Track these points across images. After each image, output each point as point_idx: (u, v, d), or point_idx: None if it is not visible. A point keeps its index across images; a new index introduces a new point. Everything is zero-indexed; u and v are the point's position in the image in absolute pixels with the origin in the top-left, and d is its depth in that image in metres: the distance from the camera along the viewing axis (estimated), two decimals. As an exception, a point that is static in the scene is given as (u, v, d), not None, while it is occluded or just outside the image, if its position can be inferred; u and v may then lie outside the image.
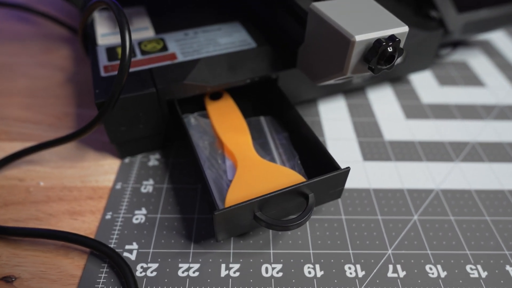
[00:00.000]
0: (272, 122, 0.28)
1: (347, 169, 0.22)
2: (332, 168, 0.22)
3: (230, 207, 0.19)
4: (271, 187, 0.22)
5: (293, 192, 0.21)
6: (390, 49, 0.21)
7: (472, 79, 0.38)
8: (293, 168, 0.25)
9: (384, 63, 0.21)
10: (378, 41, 0.21)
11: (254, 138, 0.27)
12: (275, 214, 0.22)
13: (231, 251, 0.23)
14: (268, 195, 0.20)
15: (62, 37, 0.42)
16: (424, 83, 0.37)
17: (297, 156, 0.25)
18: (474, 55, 0.41)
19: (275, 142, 0.27)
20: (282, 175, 0.23)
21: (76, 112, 0.33)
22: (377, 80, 0.34)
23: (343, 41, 0.21)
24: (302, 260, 0.23)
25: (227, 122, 0.27)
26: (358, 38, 0.20)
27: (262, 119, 0.29)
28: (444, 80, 0.37)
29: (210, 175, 0.24)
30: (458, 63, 0.40)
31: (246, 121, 0.28)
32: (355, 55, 0.21)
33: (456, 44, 0.41)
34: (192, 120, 0.27)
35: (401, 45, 0.22)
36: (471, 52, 0.41)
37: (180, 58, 0.27)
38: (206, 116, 0.28)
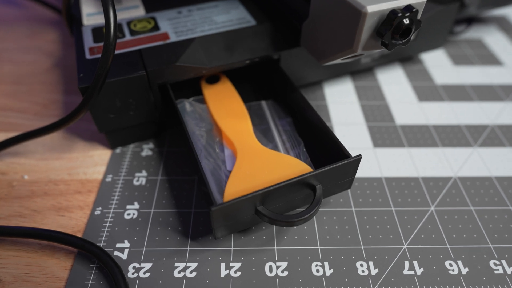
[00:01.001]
0: (274, 106, 0.26)
1: (359, 157, 0.19)
2: (342, 156, 0.20)
3: (229, 201, 0.17)
4: (274, 178, 0.20)
5: (299, 184, 0.19)
6: (406, 21, 0.18)
7: (488, 58, 0.35)
8: (298, 156, 0.22)
9: (400, 37, 0.19)
10: (393, 12, 0.18)
11: (255, 124, 0.25)
12: (279, 207, 0.20)
13: (232, 248, 0.21)
14: (271, 188, 0.18)
15: (48, 20, 0.39)
16: (437, 62, 0.34)
17: (302, 143, 0.23)
18: (489, 31, 0.38)
19: (277, 128, 0.24)
20: (286, 165, 0.21)
21: (63, 100, 0.30)
22: (386, 59, 0.32)
23: (353, 14, 0.19)
24: (309, 257, 0.21)
25: (225, 108, 0.25)
26: (370, 9, 0.18)
27: (264, 103, 0.26)
28: (459, 59, 0.35)
29: (207, 165, 0.22)
30: (472, 40, 0.37)
31: (246, 106, 0.26)
32: (367, 29, 0.19)
33: (471, 20, 0.38)
34: (187, 105, 0.25)
35: (419, 17, 0.19)
36: (487, 29, 0.39)
37: (173, 38, 0.25)
38: (202, 101, 0.26)
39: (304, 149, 0.23)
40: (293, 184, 0.19)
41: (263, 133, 0.24)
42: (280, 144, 0.23)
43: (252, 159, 0.22)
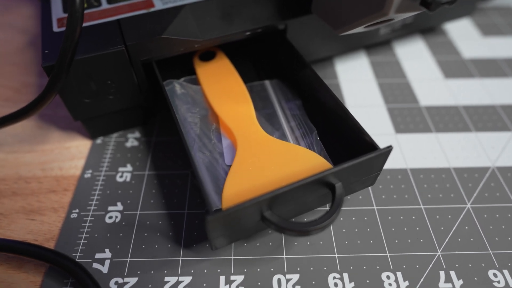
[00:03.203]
0: (280, 86, 0.22)
1: (389, 149, 0.16)
2: (366, 146, 0.17)
3: (229, 209, 0.14)
4: (283, 175, 0.17)
5: (316, 183, 0.15)
6: (453, -26, 0.14)
7: (521, 27, 0.31)
8: (310, 146, 0.19)
9: (445, -5, 0.15)
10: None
11: (258, 108, 0.21)
12: (289, 211, 0.16)
13: (232, 257, 0.18)
14: (281, 190, 0.14)
15: (23, -8, 0.35)
16: (463, 33, 0.30)
17: (315, 131, 0.19)
18: (521, -2, 0.34)
19: (285, 113, 0.21)
20: (298, 158, 0.17)
21: (38, 82, 0.27)
22: (407, 30, 0.27)
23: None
24: (325, 268, 0.17)
25: (222, 89, 0.21)
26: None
27: (267, 83, 0.22)
28: (488, 29, 0.31)
29: (202, 160, 0.18)
30: (501, 7, 0.33)
31: (247, 87, 0.22)
32: (401, -15, 0.15)
33: (502, -15, 0.34)
34: (177, 87, 0.21)
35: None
36: (517, -5, 0.34)
37: (158, 6, 0.21)
38: (195, 81, 0.22)
39: (318, 138, 0.19)
40: (309, 184, 0.15)
41: (267, 119, 0.20)
42: (288, 132, 0.20)
43: (255, 151, 0.18)
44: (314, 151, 0.18)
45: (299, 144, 0.19)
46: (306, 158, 0.17)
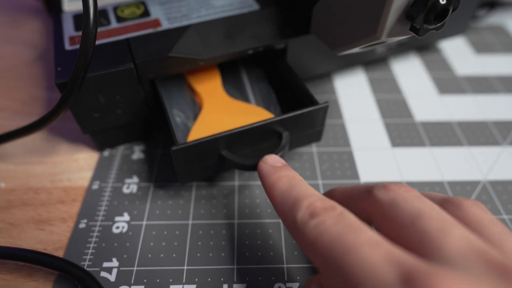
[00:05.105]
0: (249, 63, 0.26)
1: (325, 105, 0.20)
2: (309, 103, 0.20)
3: (191, 142, 0.18)
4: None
5: (263, 129, 0.19)
6: (443, 0, 0.15)
7: (512, 45, 0.32)
8: (268, 106, 0.22)
9: (434, 20, 0.16)
10: (426, -10, 0.15)
11: (227, 81, 0.24)
12: (245, 155, 0.20)
13: (235, 266, 0.18)
14: (233, 131, 0.18)
15: (31, 7, 0.36)
16: (457, 51, 0.31)
17: (274, 95, 0.23)
18: (511, 17, 0.35)
19: (251, 81, 0.24)
20: (253, 114, 0.21)
21: (46, 96, 0.27)
22: (403, 48, 0.29)
23: (378, -7, 0.16)
24: (324, 277, 0.18)
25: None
26: (399, -13, 0.15)
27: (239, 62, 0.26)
28: (481, 47, 0.32)
29: (177, 115, 0.21)
30: (494, 27, 0.34)
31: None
32: (395, 10, 0.16)
33: (493, 4, 0.35)
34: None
35: (456, -4, 0.16)
36: (508, 14, 0.36)
37: (165, 25, 0.22)
38: None
39: (276, 100, 0.23)
40: (257, 129, 0.19)
41: (236, 87, 0.24)
42: (251, 96, 0.23)
43: (218, 109, 0.22)
44: (271, 109, 0.22)
45: (259, 105, 0.23)
46: (260, 115, 0.21)
